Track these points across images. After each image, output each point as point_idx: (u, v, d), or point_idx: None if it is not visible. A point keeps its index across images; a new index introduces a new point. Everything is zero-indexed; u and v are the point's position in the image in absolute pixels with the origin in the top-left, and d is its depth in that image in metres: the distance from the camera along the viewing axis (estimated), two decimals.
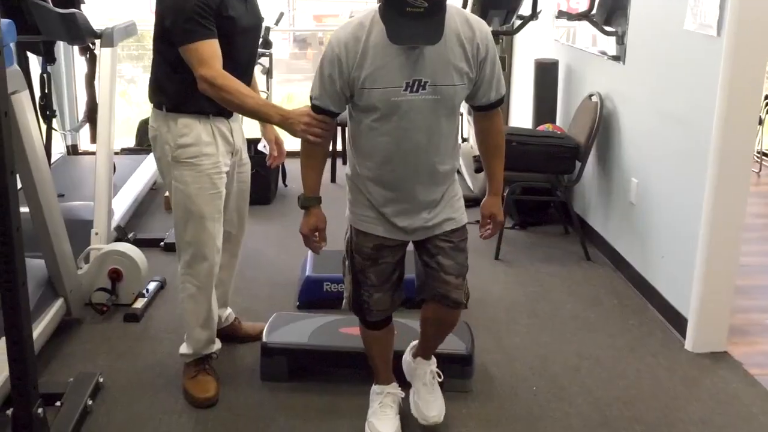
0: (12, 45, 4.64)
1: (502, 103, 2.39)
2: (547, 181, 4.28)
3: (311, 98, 2.32)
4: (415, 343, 2.78)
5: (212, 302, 2.81)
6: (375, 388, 2.70)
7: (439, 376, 2.71)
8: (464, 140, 5.75)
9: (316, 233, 2.47)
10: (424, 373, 2.68)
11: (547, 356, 3.18)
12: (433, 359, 2.72)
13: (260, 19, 2.78)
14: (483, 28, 2.24)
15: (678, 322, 3.36)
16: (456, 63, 2.20)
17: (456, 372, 2.86)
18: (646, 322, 3.50)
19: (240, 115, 2.74)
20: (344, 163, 5.82)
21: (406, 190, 2.34)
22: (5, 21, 2.42)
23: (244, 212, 2.97)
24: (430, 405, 2.64)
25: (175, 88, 2.59)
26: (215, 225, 2.71)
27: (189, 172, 2.63)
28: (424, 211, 2.38)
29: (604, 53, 4.26)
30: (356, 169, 2.39)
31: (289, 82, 9.52)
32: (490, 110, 2.39)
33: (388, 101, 2.19)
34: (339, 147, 5.60)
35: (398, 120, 2.22)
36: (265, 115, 2.49)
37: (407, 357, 2.79)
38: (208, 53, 2.46)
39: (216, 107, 2.58)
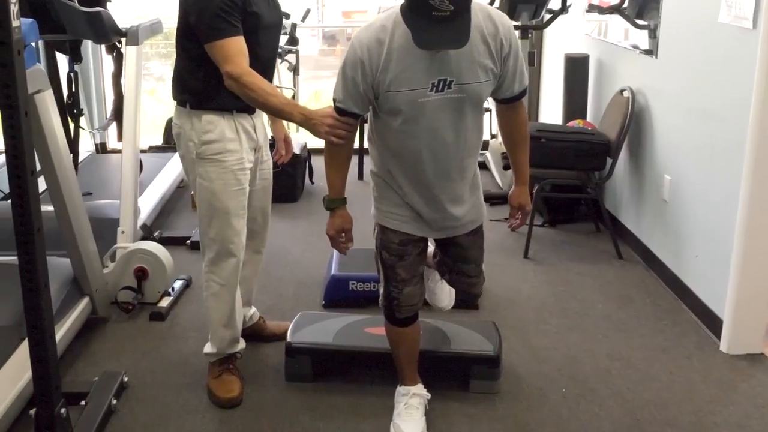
0: (40, 44, 4.69)
1: (525, 94, 2.40)
2: (577, 178, 4.19)
3: (334, 101, 2.32)
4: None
5: (236, 300, 2.79)
6: (400, 389, 2.67)
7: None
8: (493, 137, 5.68)
9: (343, 234, 2.48)
10: (434, 275, 2.80)
11: (576, 357, 3.11)
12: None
13: (282, 16, 2.76)
14: (505, 22, 2.24)
15: (713, 322, 3.27)
16: (481, 60, 2.19)
17: (483, 373, 2.82)
18: (680, 323, 3.41)
19: (262, 112, 2.75)
20: None
21: (437, 186, 2.36)
22: (27, 20, 2.40)
23: (268, 209, 2.95)
24: (440, 297, 2.84)
25: (199, 85, 2.57)
26: (240, 221, 2.70)
27: (213, 169, 2.61)
28: (452, 207, 2.41)
29: (636, 47, 4.17)
30: (385, 167, 2.40)
31: (317, 79, 9.49)
32: (514, 102, 2.40)
33: (415, 103, 2.19)
34: (366, 144, 5.56)
35: (426, 121, 2.23)
36: (287, 115, 2.48)
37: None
38: (235, 50, 2.45)
39: (239, 104, 2.57)
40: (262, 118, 2.83)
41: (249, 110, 2.66)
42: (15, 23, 1.94)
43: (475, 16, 2.13)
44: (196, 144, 2.61)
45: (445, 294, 2.85)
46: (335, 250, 3.70)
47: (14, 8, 1.94)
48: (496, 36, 2.19)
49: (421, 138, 2.26)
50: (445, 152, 2.30)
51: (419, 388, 2.66)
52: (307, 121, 2.39)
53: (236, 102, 2.56)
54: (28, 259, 2.07)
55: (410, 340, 2.62)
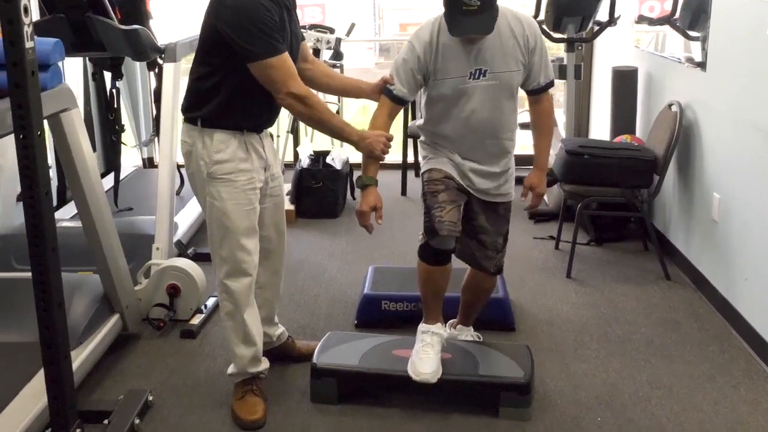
0: (88, 61, 4.76)
1: (551, 86, 2.81)
2: (622, 195, 4.04)
3: (390, 90, 2.70)
4: (453, 321, 3.17)
5: (253, 319, 2.74)
6: (421, 326, 2.82)
7: (479, 338, 3.12)
8: None
9: (374, 212, 2.68)
10: (466, 335, 3.11)
11: (615, 384, 2.98)
12: (471, 327, 3.17)
13: (300, 38, 2.73)
14: (531, 22, 2.71)
15: (763, 349, 3.10)
16: (511, 53, 2.65)
17: (513, 400, 2.71)
18: (728, 350, 3.24)
19: (270, 132, 2.78)
20: (416, 175, 5.74)
21: (477, 159, 2.77)
22: (52, 40, 2.43)
23: (282, 227, 2.91)
24: (425, 363, 2.75)
25: (217, 104, 2.54)
26: (251, 241, 2.67)
27: (225, 188, 2.59)
28: (481, 181, 2.79)
29: (689, 60, 4.01)
30: (433, 141, 2.82)
31: None
32: (540, 94, 2.80)
33: (457, 88, 2.65)
34: (410, 159, 5.50)
35: (465, 103, 2.67)
36: (347, 135, 2.65)
37: (447, 331, 2.98)
38: (293, 67, 2.50)
39: (251, 123, 2.58)
40: (270, 138, 2.82)
41: (258, 129, 2.65)
42: (28, 44, 1.94)
43: (505, 18, 2.61)
44: (207, 163, 2.58)
45: (430, 361, 2.71)
46: (370, 269, 3.73)
47: (27, 30, 1.94)
48: (523, 33, 2.65)
49: (461, 117, 2.69)
50: (482, 130, 2.71)
51: (438, 327, 2.80)
52: (363, 140, 2.63)
53: (248, 121, 2.57)
54: (42, 279, 2.07)
55: (440, 280, 2.78)
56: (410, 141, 5.47)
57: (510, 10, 2.67)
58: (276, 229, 2.88)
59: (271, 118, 2.73)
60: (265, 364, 2.84)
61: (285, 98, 2.49)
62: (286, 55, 2.47)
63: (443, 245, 2.69)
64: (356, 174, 5.16)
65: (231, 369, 2.80)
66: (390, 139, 2.68)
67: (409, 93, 2.70)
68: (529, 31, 2.66)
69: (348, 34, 5.38)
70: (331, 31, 5.23)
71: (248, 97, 2.54)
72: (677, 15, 4.12)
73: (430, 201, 2.73)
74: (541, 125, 2.90)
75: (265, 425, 2.71)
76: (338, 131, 2.67)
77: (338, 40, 5.22)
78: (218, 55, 2.50)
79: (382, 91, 2.73)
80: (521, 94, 2.84)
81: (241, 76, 2.48)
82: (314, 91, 2.64)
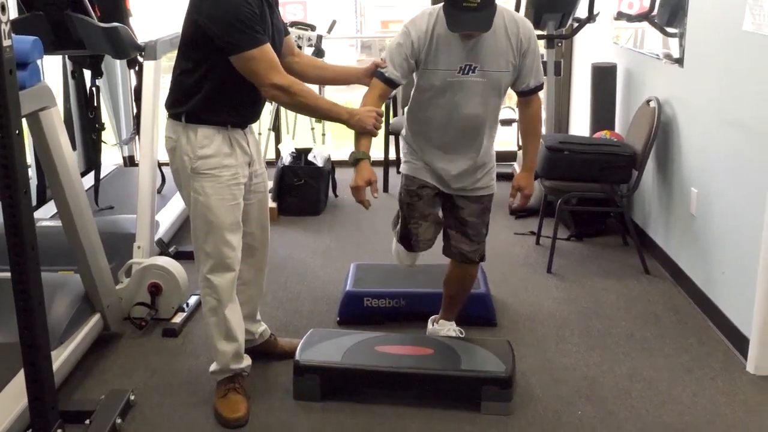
0: (68, 59, 4.73)
1: (540, 89, 2.87)
2: (602, 190, 4.07)
3: (382, 72, 2.72)
4: (434, 317, 3.23)
5: (235, 314, 2.75)
6: None
7: (461, 333, 3.13)
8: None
9: (369, 186, 2.71)
10: (448, 330, 3.13)
11: (596, 378, 3.01)
12: (453, 322, 3.18)
13: (283, 32, 2.74)
14: (527, 25, 2.75)
15: (740, 342, 3.14)
16: (503, 53, 2.70)
17: (494, 394, 2.73)
18: (707, 342, 3.28)
19: (254, 127, 2.79)
20: (398, 172, 5.73)
21: (454, 151, 2.84)
22: (30, 38, 2.42)
23: (266, 224, 2.92)
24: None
25: (201, 99, 2.55)
26: (235, 236, 2.68)
27: (209, 184, 2.59)
28: (464, 178, 2.88)
29: (667, 56, 4.05)
30: (414, 131, 2.90)
31: (351, 89, 9.43)
32: (529, 95, 2.86)
33: (445, 81, 2.71)
34: (392, 156, 5.50)
35: (451, 96, 2.74)
36: (336, 114, 2.66)
37: (429, 327, 3.22)
38: (275, 58, 2.51)
39: (235, 119, 2.59)
40: (255, 134, 2.83)
41: (242, 125, 2.66)
42: (6, 42, 1.94)
43: (501, 18, 2.66)
44: (191, 158, 2.58)
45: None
46: (352, 266, 3.73)
47: (5, 27, 1.93)
48: (518, 35, 2.70)
49: (446, 108, 2.76)
50: (463, 123, 2.78)
51: None
52: (352, 116, 2.65)
53: (232, 116, 2.58)
54: (21, 279, 2.06)
55: None
56: (392, 138, 5.47)
57: (508, 10, 2.73)
58: (260, 226, 2.88)
59: (255, 113, 2.74)
60: (247, 360, 2.84)
61: (269, 90, 2.51)
62: (268, 46, 2.48)
63: (418, 251, 3.02)
64: (338, 171, 5.25)
65: (213, 366, 2.80)
66: (381, 114, 2.70)
67: (401, 76, 2.73)
68: (524, 34, 2.70)
69: (329, 31, 5.37)
70: (312, 28, 5.23)
71: (232, 92, 2.56)
72: (655, 11, 4.15)
73: (406, 211, 2.92)
74: (530, 127, 2.96)
75: (247, 423, 2.71)
76: (327, 113, 2.69)
77: (319, 37, 5.21)
78: (201, 50, 2.51)
79: (373, 74, 2.76)
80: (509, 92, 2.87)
81: (224, 71, 2.50)
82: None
